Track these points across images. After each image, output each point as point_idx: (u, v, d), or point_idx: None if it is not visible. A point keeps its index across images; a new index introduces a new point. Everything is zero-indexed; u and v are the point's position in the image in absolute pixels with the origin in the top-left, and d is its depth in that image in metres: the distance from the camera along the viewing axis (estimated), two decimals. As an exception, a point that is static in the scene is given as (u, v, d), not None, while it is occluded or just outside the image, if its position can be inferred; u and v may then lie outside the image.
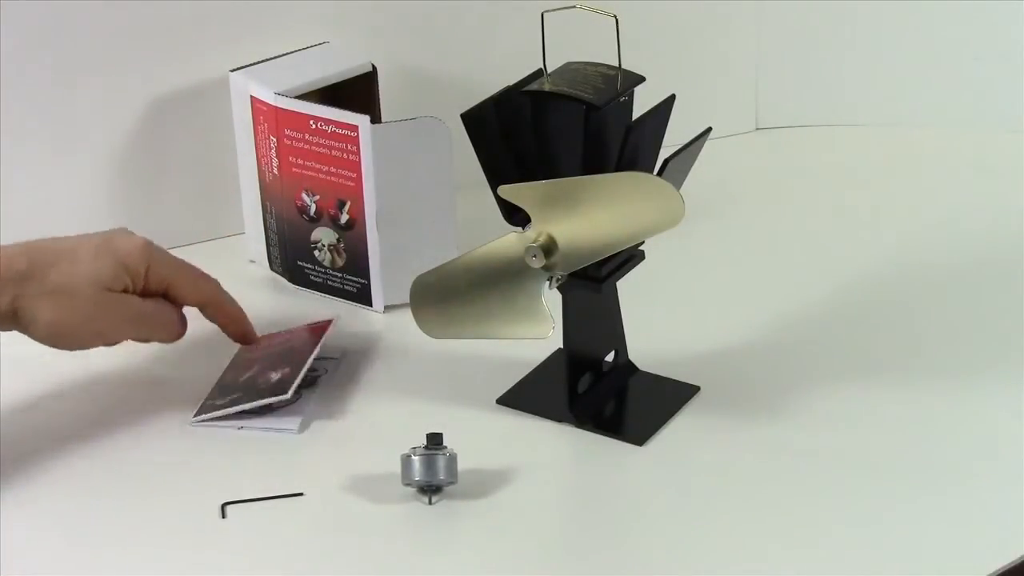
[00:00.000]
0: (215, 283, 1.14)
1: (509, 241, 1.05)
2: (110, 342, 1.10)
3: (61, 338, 1.07)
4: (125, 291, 1.08)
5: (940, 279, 1.29)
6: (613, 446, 1.10)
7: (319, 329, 1.20)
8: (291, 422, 1.11)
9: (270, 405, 1.12)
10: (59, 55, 1.29)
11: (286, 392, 1.11)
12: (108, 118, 1.32)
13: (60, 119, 1.31)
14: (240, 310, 1.16)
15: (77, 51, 1.29)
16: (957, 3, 1.50)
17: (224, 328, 1.16)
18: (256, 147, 1.30)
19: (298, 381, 1.13)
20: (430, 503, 1.03)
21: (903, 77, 1.54)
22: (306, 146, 1.25)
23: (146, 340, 1.12)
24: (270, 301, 1.31)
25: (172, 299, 1.12)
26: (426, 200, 1.25)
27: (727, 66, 1.54)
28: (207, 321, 1.26)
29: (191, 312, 1.24)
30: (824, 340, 1.21)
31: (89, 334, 1.08)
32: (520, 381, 1.16)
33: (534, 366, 1.17)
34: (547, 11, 1.05)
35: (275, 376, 1.14)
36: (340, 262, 1.28)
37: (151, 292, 1.11)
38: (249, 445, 1.10)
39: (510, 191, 1.04)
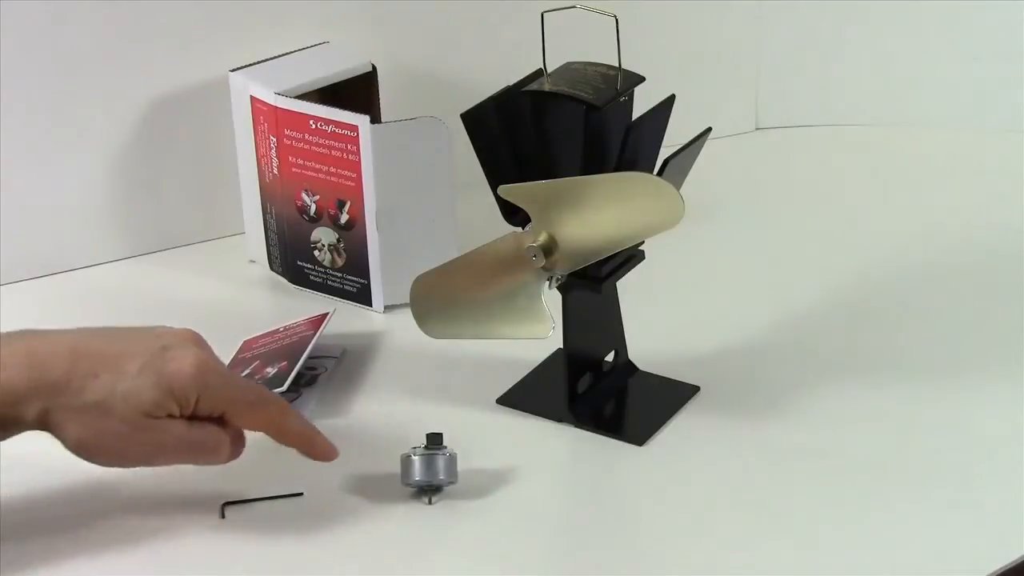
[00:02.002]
0: (276, 406, 1.01)
1: (509, 241, 1.05)
2: (147, 465, 1.00)
3: (90, 456, 0.97)
4: (170, 416, 0.97)
5: (940, 279, 1.29)
6: (613, 446, 1.10)
7: (317, 322, 1.20)
8: (291, 422, 1.11)
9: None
10: (59, 55, 1.29)
11: (283, 385, 1.11)
12: (108, 118, 1.32)
13: (60, 119, 1.31)
14: (310, 428, 1.02)
15: (77, 51, 1.29)
16: (957, 3, 1.50)
17: (299, 450, 1.02)
18: (256, 147, 1.30)
19: (295, 373, 1.13)
20: (430, 503, 1.03)
21: (903, 77, 1.54)
22: (306, 146, 1.25)
23: (192, 463, 1.00)
24: (270, 301, 1.31)
25: (227, 424, 0.99)
26: (426, 200, 1.25)
27: (727, 66, 1.54)
28: (206, 322, 1.26)
29: (178, 314, 1.24)
30: (824, 340, 1.21)
31: (119, 456, 0.97)
32: (520, 381, 1.16)
33: (534, 366, 1.17)
34: (547, 11, 1.05)
35: (272, 371, 1.14)
36: (340, 262, 1.28)
37: (201, 417, 0.98)
38: (249, 445, 1.10)
39: (510, 191, 1.04)
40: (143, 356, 0.96)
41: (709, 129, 1.08)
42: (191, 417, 0.98)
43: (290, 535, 1.01)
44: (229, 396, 0.98)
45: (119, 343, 0.97)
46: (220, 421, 0.99)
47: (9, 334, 0.97)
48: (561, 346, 1.12)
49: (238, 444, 1.00)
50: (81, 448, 0.96)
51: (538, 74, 1.08)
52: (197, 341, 1.00)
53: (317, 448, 1.02)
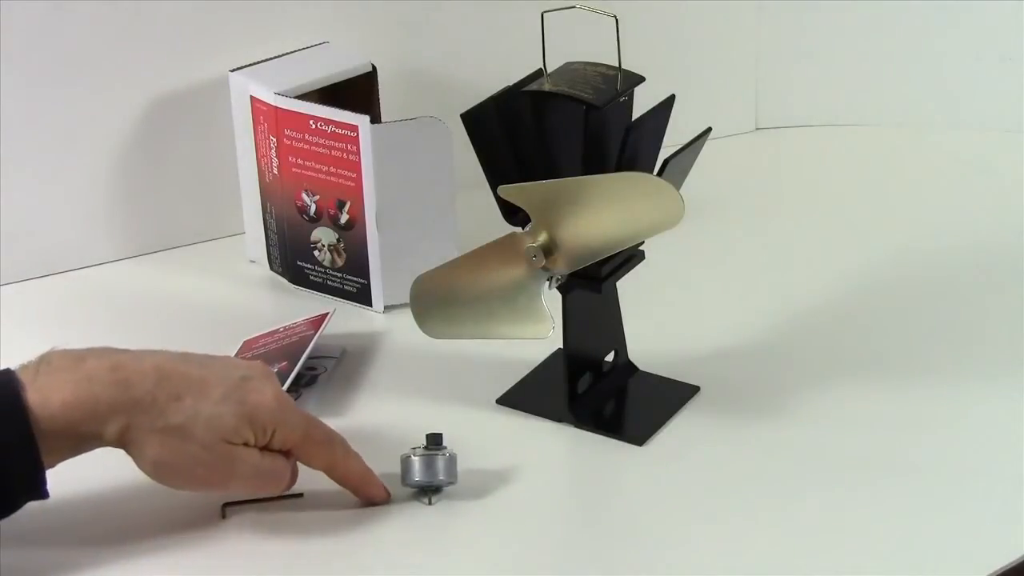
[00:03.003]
0: (341, 446, 1.02)
1: (509, 241, 1.05)
2: (216, 490, 1.01)
3: (164, 477, 0.98)
4: (245, 444, 0.98)
5: (940, 279, 1.29)
6: (613, 446, 1.10)
7: (317, 322, 1.20)
8: (291, 422, 1.11)
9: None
10: (59, 55, 1.29)
11: (283, 384, 1.11)
12: (108, 118, 1.32)
13: (60, 120, 1.31)
14: (365, 469, 1.03)
15: (77, 51, 1.29)
16: (958, 3, 1.50)
17: (352, 491, 1.03)
18: (256, 147, 1.30)
19: (295, 373, 1.13)
20: (430, 503, 1.03)
21: (903, 77, 1.54)
22: (306, 146, 1.25)
23: (254, 492, 1.02)
24: (270, 301, 1.31)
25: (290, 457, 1.01)
26: (426, 200, 1.25)
27: (727, 66, 1.54)
28: (206, 322, 1.26)
29: (178, 314, 1.24)
30: (824, 340, 1.21)
31: (193, 479, 0.98)
32: (520, 381, 1.16)
33: (534, 366, 1.17)
34: (547, 11, 1.05)
35: (272, 371, 1.13)
36: (340, 262, 1.28)
37: (271, 449, 1.00)
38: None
39: (510, 191, 1.04)
40: (225, 383, 0.98)
41: (709, 129, 1.08)
42: (262, 448, 0.99)
43: (290, 535, 1.01)
44: (303, 432, 1.00)
45: (201, 368, 0.98)
46: (285, 454, 1.00)
47: (93, 349, 0.97)
48: (561, 346, 1.12)
49: (294, 477, 1.02)
50: (157, 468, 0.97)
51: (538, 74, 1.08)
52: (271, 375, 1.01)
53: (371, 489, 1.03)
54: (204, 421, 0.96)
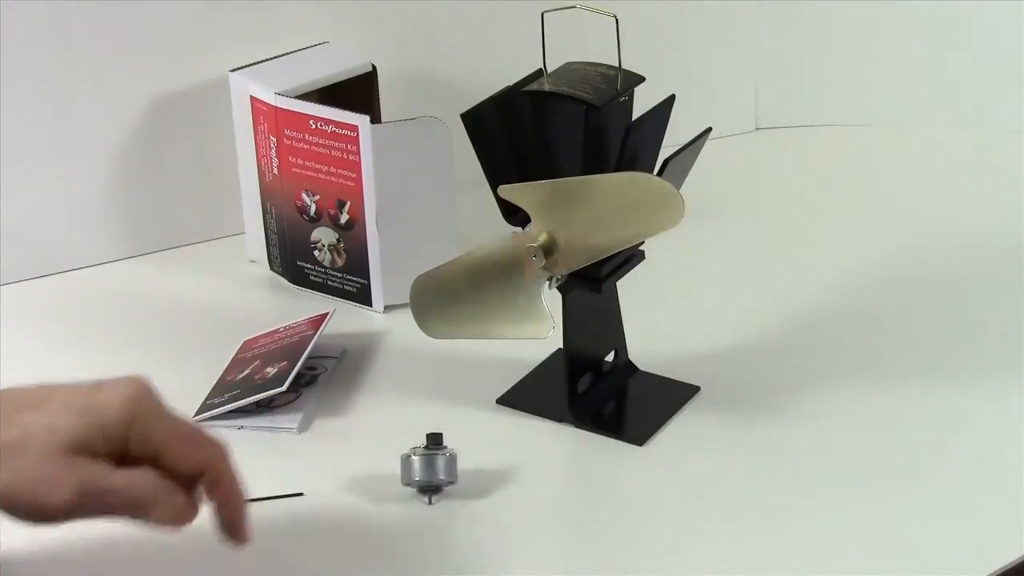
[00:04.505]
0: (217, 448, 0.88)
1: (509, 241, 1.05)
2: (72, 517, 0.84)
3: (12, 507, 0.83)
4: (99, 455, 0.84)
5: (940, 279, 1.29)
6: (613, 446, 1.10)
7: (317, 322, 1.20)
8: (291, 421, 1.12)
9: (269, 400, 1.12)
10: (59, 56, 1.29)
11: (283, 384, 1.11)
12: (108, 118, 1.32)
13: (60, 120, 1.31)
14: (240, 494, 0.88)
15: (77, 51, 1.29)
16: (957, 3, 1.50)
17: (216, 509, 0.88)
18: (256, 147, 1.30)
19: (295, 373, 1.13)
20: (430, 503, 1.03)
21: (903, 77, 1.54)
22: (306, 146, 1.25)
23: (137, 520, 0.86)
24: (270, 301, 1.31)
25: (163, 468, 0.86)
26: (426, 200, 1.25)
27: (727, 66, 1.54)
28: (206, 322, 1.26)
29: (178, 314, 1.24)
30: (824, 340, 1.21)
31: (39, 503, 0.83)
32: (520, 381, 1.16)
33: (534, 366, 1.17)
34: (547, 11, 1.05)
35: (272, 370, 1.14)
36: (340, 262, 1.28)
37: (137, 459, 0.85)
38: (249, 445, 1.09)
39: (510, 191, 1.04)
40: (72, 393, 0.85)
41: (709, 129, 1.08)
42: (123, 461, 0.85)
43: (290, 535, 1.01)
44: (163, 428, 0.86)
45: (48, 390, 0.86)
46: (154, 464, 0.86)
47: None
48: (561, 346, 1.12)
49: (176, 498, 0.86)
50: (3, 500, 0.83)
51: (538, 74, 1.08)
52: (137, 380, 0.87)
53: (235, 516, 0.88)
54: (41, 432, 0.83)
